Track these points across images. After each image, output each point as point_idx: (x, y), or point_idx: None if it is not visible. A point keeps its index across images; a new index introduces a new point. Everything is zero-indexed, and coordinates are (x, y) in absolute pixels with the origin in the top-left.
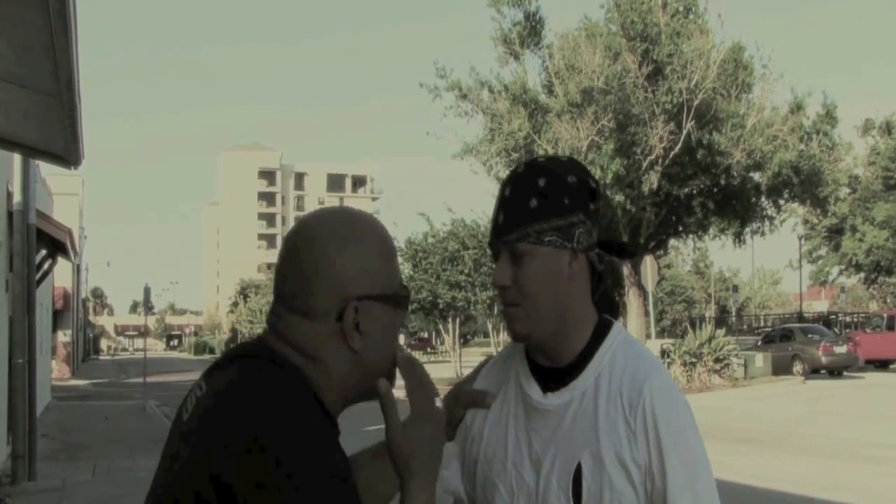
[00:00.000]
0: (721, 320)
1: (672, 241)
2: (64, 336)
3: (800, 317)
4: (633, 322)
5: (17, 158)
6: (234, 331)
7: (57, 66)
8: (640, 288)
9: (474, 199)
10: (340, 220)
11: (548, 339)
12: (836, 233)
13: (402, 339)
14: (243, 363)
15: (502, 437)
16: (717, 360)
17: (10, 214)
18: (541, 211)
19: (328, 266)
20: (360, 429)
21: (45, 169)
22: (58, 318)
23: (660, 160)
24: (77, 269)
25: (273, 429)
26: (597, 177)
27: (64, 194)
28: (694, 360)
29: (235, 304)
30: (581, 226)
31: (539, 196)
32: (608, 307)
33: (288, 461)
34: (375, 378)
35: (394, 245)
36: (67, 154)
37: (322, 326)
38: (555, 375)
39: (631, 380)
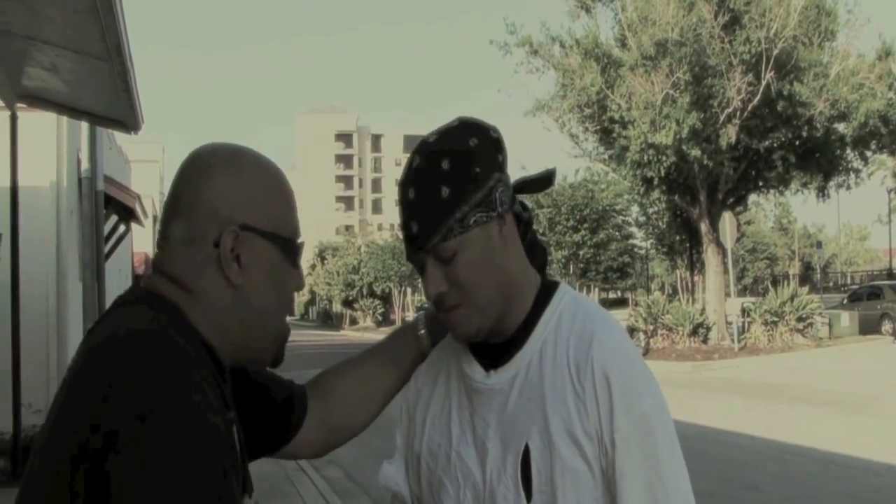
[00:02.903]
0: (805, 278)
1: (752, 197)
2: None
3: (889, 273)
4: (712, 280)
5: (84, 126)
6: (311, 293)
7: (104, 30)
8: (719, 245)
9: (547, 156)
10: (231, 148)
11: (494, 323)
12: None
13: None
14: (117, 312)
15: (446, 428)
16: (799, 319)
17: (79, 181)
18: (456, 196)
19: (210, 186)
20: None
21: (123, 137)
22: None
23: (738, 113)
24: None
25: (128, 377)
26: (672, 131)
27: (143, 161)
28: (776, 319)
29: (313, 266)
30: (499, 185)
31: (448, 181)
32: (538, 253)
33: (138, 404)
34: (260, 334)
35: (292, 192)
36: (126, 119)
37: (198, 252)
38: (498, 351)
39: (578, 341)
